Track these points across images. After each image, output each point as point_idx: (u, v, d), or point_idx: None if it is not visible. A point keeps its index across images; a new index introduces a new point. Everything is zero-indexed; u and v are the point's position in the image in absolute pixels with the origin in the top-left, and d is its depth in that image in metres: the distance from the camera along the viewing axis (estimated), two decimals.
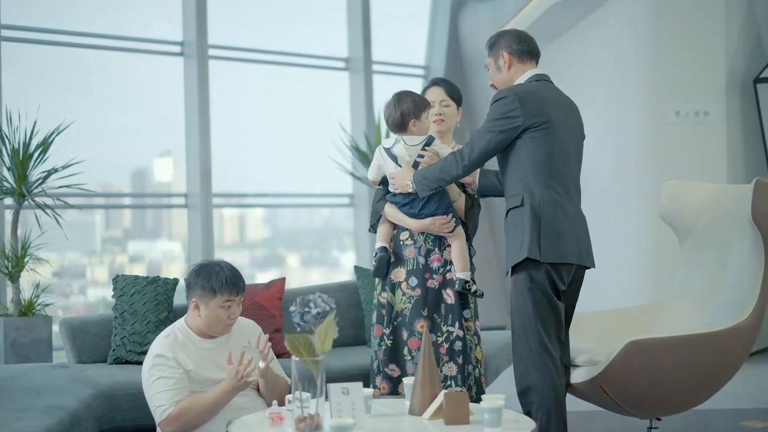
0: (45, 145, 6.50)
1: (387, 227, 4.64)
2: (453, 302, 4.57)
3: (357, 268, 5.85)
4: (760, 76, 7.83)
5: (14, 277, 6.40)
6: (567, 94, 9.17)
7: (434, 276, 4.56)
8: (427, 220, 4.50)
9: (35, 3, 7.89)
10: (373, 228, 4.71)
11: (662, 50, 7.80)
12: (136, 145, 8.68)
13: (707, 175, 7.48)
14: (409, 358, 4.52)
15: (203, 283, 4.13)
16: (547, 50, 9.04)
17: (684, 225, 5.04)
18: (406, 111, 4.53)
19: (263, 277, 9.79)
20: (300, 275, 9.85)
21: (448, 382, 4.55)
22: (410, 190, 4.46)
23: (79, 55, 8.05)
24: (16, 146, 6.45)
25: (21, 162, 6.44)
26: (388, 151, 4.54)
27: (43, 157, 6.50)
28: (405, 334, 4.54)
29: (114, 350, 4.95)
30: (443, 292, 4.57)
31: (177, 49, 8.34)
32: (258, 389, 4.21)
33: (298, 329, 3.50)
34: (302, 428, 3.40)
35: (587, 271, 8.57)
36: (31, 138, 6.47)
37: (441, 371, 4.53)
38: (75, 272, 8.71)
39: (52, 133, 6.55)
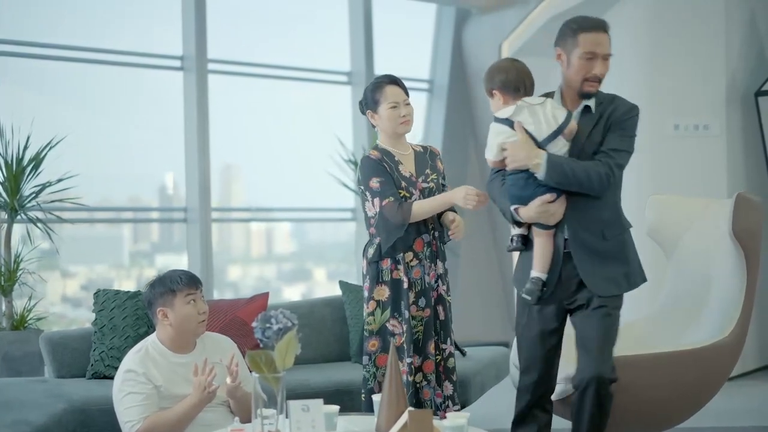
0: (37, 159, 6.52)
1: (544, 247, 4.04)
2: (444, 318, 4.51)
3: (342, 283, 5.80)
4: (761, 89, 7.74)
5: (7, 291, 6.41)
6: None
7: (431, 293, 4.50)
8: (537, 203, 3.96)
9: (35, 17, 7.91)
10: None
11: (661, 63, 7.72)
12: (136, 160, 8.69)
13: (707, 190, 7.39)
14: (426, 383, 4.44)
15: (161, 290, 4.13)
16: (546, 64, 9.01)
17: (669, 240, 4.99)
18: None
19: (290, 291, 9.81)
20: (326, 289, 9.85)
21: (446, 402, 4.48)
22: (531, 166, 3.90)
23: (79, 70, 8.06)
24: (9, 161, 6.47)
25: (13, 176, 6.46)
26: (505, 120, 3.98)
27: (35, 172, 6.52)
28: (417, 360, 4.42)
29: (92, 365, 4.94)
30: (437, 308, 4.51)
31: (177, 63, 8.35)
32: (230, 407, 4.18)
33: (261, 345, 3.48)
34: None
35: None
36: (24, 152, 6.49)
37: (443, 392, 4.48)
38: (103, 285, 8.73)
39: (45, 147, 6.57)
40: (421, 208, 4.39)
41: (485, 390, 5.58)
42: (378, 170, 4.46)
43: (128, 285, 8.80)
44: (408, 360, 4.37)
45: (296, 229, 10.40)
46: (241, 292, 9.23)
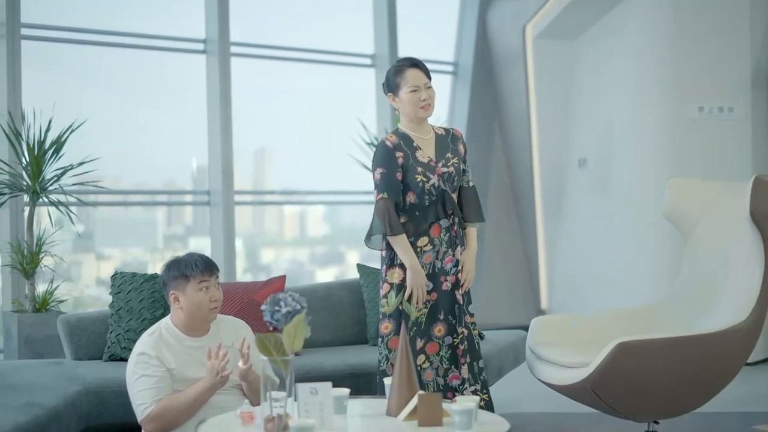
0: (58, 143, 6.56)
1: None
2: (461, 302, 4.51)
3: (360, 266, 5.80)
4: None
5: (29, 274, 6.45)
6: (590, 89, 9.07)
7: (447, 278, 4.48)
8: None
9: (56, 1, 7.95)
10: None
11: (685, 44, 7.64)
12: (161, 144, 8.73)
13: (732, 173, 7.32)
14: (428, 364, 4.44)
15: (175, 273, 4.13)
16: (568, 47, 9.00)
17: (687, 223, 4.94)
18: None
19: (323, 274, 9.83)
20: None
21: (465, 385, 4.48)
22: None
23: (101, 54, 8.10)
24: (31, 144, 6.52)
25: (35, 159, 6.51)
26: None
27: (57, 156, 6.56)
28: (420, 342, 4.43)
29: (109, 347, 4.97)
30: (455, 293, 4.50)
31: (200, 46, 8.36)
32: (243, 390, 4.17)
33: (271, 328, 3.48)
34: (270, 428, 3.37)
35: (606, 270, 8.43)
36: (45, 135, 6.53)
37: (460, 374, 4.47)
38: (137, 268, 8.84)
39: (66, 130, 6.61)
40: (397, 244, 4.41)
41: (503, 374, 5.56)
42: (385, 161, 4.47)
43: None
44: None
45: (330, 212, 10.41)
46: (275, 275, 9.25)
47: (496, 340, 5.61)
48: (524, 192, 9.63)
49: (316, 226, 10.34)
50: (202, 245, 9.10)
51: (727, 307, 4.46)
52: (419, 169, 4.45)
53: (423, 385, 4.39)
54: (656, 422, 4.57)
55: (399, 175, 4.44)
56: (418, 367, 4.41)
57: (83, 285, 8.66)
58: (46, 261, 6.55)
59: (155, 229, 9.20)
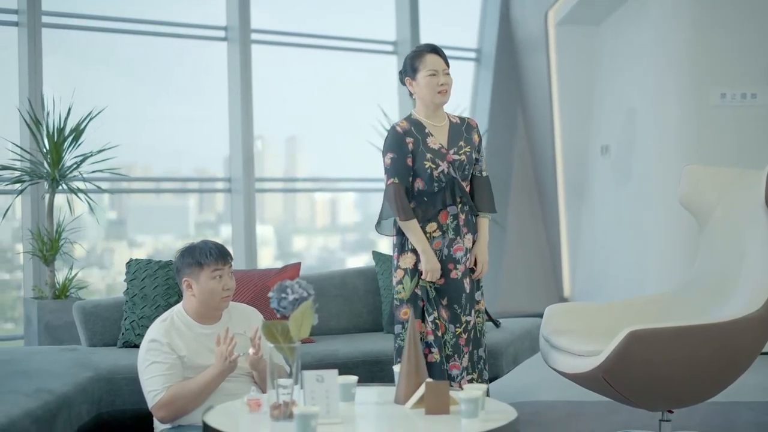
0: (78, 130, 6.59)
1: None
2: (469, 291, 4.50)
3: (375, 254, 5.79)
4: None
5: (49, 261, 6.49)
6: (612, 76, 9.00)
7: (458, 266, 4.47)
8: None
9: None
10: None
11: (707, 30, 7.56)
12: (187, 132, 8.75)
13: (755, 161, 7.19)
14: (434, 338, 4.47)
15: (189, 260, 4.12)
16: (591, 33, 8.95)
17: (703, 211, 4.90)
18: None
19: (354, 261, 9.85)
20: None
21: (463, 374, 4.47)
22: None
23: (122, 41, 8.12)
24: (51, 131, 6.55)
25: (55, 146, 6.54)
26: None
27: (76, 143, 6.59)
28: (433, 314, 4.45)
29: (123, 334, 4.99)
30: (464, 281, 4.49)
31: (221, 33, 8.37)
32: (254, 378, 4.18)
33: (278, 315, 3.48)
34: (276, 415, 3.37)
35: (629, 258, 8.37)
36: (65, 123, 6.56)
37: (460, 363, 4.46)
38: (169, 255, 8.87)
39: (86, 117, 6.64)
40: (409, 229, 4.43)
41: (518, 362, 5.53)
42: (395, 146, 4.47)
43: None
44: (431, 318, 4.43)
45: (361, 200, 10.43)
46: (306, 262, 9.28)
47: (512, 328, 5.58)
48: (547, 179, 9.59)
49: (348, 214, 10.36)
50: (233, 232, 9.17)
51: (741, 295, 4.42)
52: (428, 156, 4.44)
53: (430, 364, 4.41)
54: (670, 411, 4.54)
55: (409, 161, 4.45)
56: (430, 336, 4.43)
57: (116, 272, 8.71)
58: (69, 248, 6.59)
59: (187, 216, 9.25)
